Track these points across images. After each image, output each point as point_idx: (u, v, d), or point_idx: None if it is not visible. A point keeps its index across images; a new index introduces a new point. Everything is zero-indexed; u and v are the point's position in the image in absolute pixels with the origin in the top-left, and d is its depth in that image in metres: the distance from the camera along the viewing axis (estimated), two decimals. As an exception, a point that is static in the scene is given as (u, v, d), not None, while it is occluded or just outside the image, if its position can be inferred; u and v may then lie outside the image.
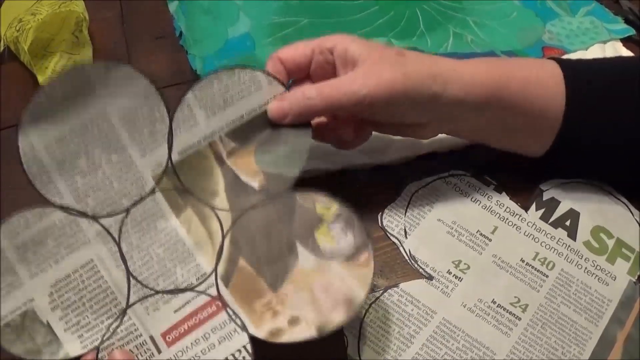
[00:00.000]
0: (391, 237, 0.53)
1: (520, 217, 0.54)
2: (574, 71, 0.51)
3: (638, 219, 0.55)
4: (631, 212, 0.55)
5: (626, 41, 0.66)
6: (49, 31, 0.65)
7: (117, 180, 0.45)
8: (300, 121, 0.47)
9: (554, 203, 0.55)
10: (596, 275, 0.52)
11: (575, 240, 0.54)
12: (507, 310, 0.50)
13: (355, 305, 0.43)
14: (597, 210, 0.55)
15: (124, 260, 0.45)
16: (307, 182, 0.46)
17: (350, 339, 0.48)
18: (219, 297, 0.45)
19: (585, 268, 0.52)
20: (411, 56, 0.48)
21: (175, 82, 0.64)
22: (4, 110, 0.63)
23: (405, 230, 0.53)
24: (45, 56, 0.65)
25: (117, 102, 0.45)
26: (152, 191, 0.46)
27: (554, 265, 0.52)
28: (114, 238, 0.45)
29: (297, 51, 0.49)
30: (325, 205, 0.46)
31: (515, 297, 0.50)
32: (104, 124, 0.45)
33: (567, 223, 0.55)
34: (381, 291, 0.50)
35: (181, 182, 0.46)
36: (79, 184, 0.45)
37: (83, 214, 0.45)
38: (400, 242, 0.53)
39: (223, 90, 0.47)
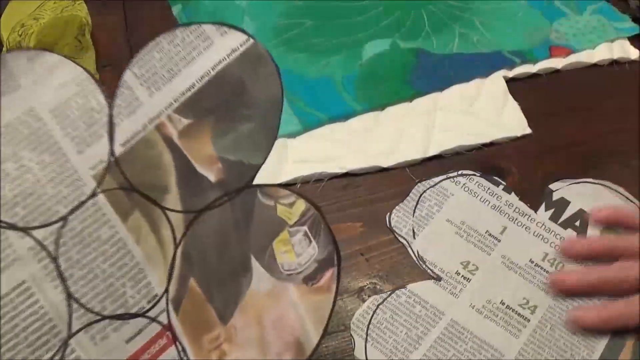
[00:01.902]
0: (399, 238, 0.52)
1: (530, 218, 0.54)
2: None
3: None
4: None
5: (634, 40, 0.65)
6: (52, 35, 0.64)
7: (51, 184, 0.38)
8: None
9: (563, 203, 0.54)
10: None
11: None
12: (516, 311, 0.49)
13: (305, 353, 0.38)
14: None
15: (62, 280, 0.38)
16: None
17: (357, 341, 0.47)
18: (169, 327, 0.39)
19: None
20: None
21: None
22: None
23: (413, 230, 0.53)
24: (48, 61, 0.65)
25: (46, 94, 0.39)
26: (93, 194, 0.39)
27: (563, 266, 0.51)
28: (49, 253, 0.38)
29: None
30: (288, 203, 0.40)
31: (524, 298, 0.50)
32: (32, 121, 0.39)
33: (577, 223, 0.54)
34: (389, 292, 0.49)
35: (127, 178, 0.39)
36: (6, 190, 0.38)
37: (11, 226, 0.38)
38: (408, 243, 0.52)
39: (165, 59, 0.40)
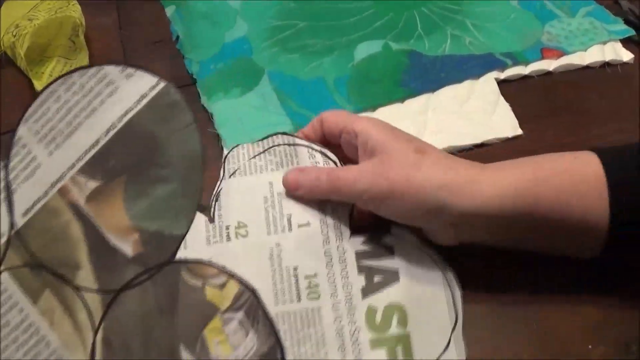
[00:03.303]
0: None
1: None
2: (616, 165, 0.43)
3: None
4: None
5: (626, 42, 0.66)
6: (46, 36, 0.65)
7: None
8: (310, 198, 0.43)
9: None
10: None
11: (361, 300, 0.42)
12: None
13: None
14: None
15: None
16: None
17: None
18: None
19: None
20: (429, 158, 0.44)
21: (173, 87, 0.64)
22: (1, 116, 0.63)
23: None
24: (42, 61, 0.65)
25: None
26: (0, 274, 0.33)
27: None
28: None
29: (334, 120, 0.48)
30: (218, 284, 0.34)
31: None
32: None
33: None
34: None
35: (31, 253, 0.34)
36: None
37: None
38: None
39: (64, 110, 0.34)
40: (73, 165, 0.34)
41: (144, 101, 0.35)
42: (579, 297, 0.49)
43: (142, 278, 0.34)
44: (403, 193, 0.43)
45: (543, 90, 0.63)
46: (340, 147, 0.49)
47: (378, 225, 0.46)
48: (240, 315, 0.33)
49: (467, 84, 0.62)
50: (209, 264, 0.34)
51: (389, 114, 0.60)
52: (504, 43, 0.64)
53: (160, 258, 0.34)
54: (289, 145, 0.43)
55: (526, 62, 0.63)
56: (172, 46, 0.67)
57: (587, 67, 0.64)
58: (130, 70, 0.34)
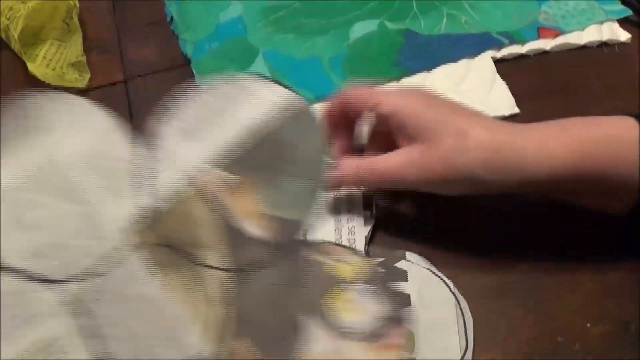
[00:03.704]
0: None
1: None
2: None
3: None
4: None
5: (623, 22, 0.65)
6: (39, 19, 0.64)
7: (79, 235, 0.35)
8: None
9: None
10: None
11: None
12: None
13: None
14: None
15: (92, 338, 0.34)
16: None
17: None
18: None
19: None
20: (471, 140, 0.44)
21: (167, 68, 0.64)
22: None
23: None
24: (35, 44, 0.64)
25: (75, 141, 0.36)
26: (125, 249, 0.36)
27: None
28: (79, 311, 0.34)
29: (357, 101, 0.48)
30: (344, 261, 0.38)
31: None
32: (58, 168, 0.36)
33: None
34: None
35: (163, 234, 0.36)
36: (28, 241, 0.34)
37: (35, 277, 0.34)
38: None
39: (204, 111, 0.39)
40: (209, 159, 0.37)
41: (276, 108, 0.40)
42: (578, 275, 0.49)
43: (270, 257, 0.38)
44: (448, 181, 0.45)
45: (540, 69, 0.62)
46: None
47: (394, 253, 0.46)
48: (367, 285, 0.37)
49: (463, 62, 0.61)
50: (330, 243, 0.39)
51: (384, 92, 0.59)
52: (500, 22, 0.64)
53: (287, 240, 0.38)
54: None
55: (523, 42, 0.63)
56: (167, 27, 0.66)
57: (584, 47, 0.64)
58: (265, 80, 0.40)
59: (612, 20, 0.65)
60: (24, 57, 0.63)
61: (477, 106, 0.57)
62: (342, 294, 0.36)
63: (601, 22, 0.65)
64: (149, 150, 0.36)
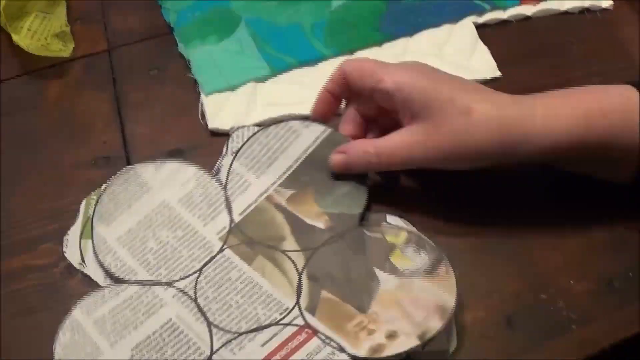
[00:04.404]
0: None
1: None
2: None
3: None
4: None
5: (606, -11, 0.66)
6: (24, -8, 0.64)
7: (186, 248, 0.48)
8: (361, 173, 0.50)
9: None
10: None
11: None
12: None
13: (448, 310, 0.43)
14: None
15: (202, 313, 0.45)
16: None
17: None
18: (307, 325, 0.44)
19: None
20: (477, 118, 0.45)
21: (150, 37, 0.64)
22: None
23: None
24: (20, 16, 0.64)
25: (172, 191, 0.51)
26: (221, 250, 0.48)
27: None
28: (190, 296, 0.46)
29: (359, 76, 0.49)
30: (393, 234, 0.47)
31: None
32: (165, 210, 0.50)
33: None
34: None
35: (247, 235, 0.49)
36: (150, 260, 0.48)
37: (157, 283, 0.47)
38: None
39: (265, 150, 0.52)
40: (274, 182, 0.51)
41: (318, 141, 0.51)
42: (562, 232, 0.49)
43: (334, 239, 0.48)
44: (455, 159, 0.46)
45: (522, 35, 0.63)
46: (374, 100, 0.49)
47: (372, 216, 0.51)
48: (413, 246, 0.46)
49: (445, 28, 0.62)
50: (389, 225, 0.48)
51: (366, 56, 0.59)
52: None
53: (346, 227, 0.48)
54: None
55: (505, 7, 0.63)
56: (150, -4, 0.67)
57: (566, 13, 0.64)
58: (308, 122, 0.52)
59: (597, -22, 0.65)
60: (9, 29, 0.63)
61: (459, 70, 0.58)
62: (399, 254, 0.46)
63: (586, -19, 0.65)
64: (229, 184, 0.51)
